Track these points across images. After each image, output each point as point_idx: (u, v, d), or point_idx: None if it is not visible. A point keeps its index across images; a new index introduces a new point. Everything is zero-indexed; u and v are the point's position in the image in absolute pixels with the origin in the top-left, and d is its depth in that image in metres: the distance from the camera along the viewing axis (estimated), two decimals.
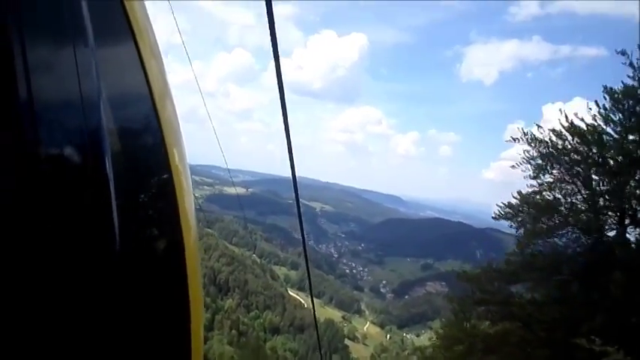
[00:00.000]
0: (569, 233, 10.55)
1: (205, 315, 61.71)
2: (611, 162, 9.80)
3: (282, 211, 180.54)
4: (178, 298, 1.21)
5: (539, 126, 11.02)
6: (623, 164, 9.46)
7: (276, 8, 2.44)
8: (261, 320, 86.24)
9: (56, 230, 0.70)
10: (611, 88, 9.69)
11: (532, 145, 10.92)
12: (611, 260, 8.33)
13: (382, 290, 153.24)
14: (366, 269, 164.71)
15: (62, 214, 0.73)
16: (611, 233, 10.07)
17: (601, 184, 10.16)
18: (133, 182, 1.06)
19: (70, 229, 0.75)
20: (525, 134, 10.97)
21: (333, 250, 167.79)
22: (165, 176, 1.16)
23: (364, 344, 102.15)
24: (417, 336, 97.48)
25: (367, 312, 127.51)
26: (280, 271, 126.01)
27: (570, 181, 10.66)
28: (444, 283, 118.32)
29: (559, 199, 10.85)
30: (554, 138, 10.45)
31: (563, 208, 10.64)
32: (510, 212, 11.32)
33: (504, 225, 12.09)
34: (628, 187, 9.77)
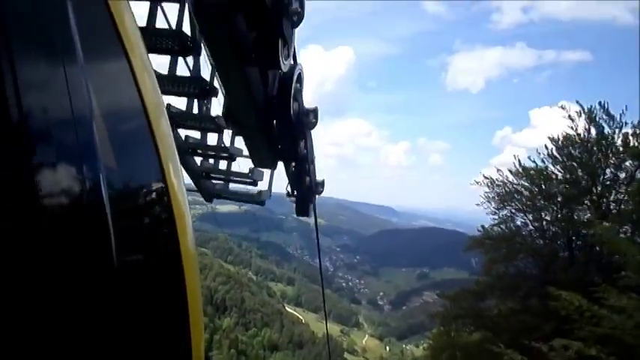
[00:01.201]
0: (527, 257, 12.49)
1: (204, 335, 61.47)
2: (559, 196, 11.77)
3: (275, 227, 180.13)
4: (178, 317, 1.19)
5: (498, 169, 13.46)
6: (568, 198, 11.41)
7: None
8: (260, 338, 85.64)
9: (51, 250, 0.69)
10: (556, 137, 11.88)
11: (490, 187, 13.31)
12: (560, 278, 9.54)
13: (379, 302, 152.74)
14: (362, 282, 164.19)
15: (56, 232, 0.71)
16: (562, 254, 11.90)
17: (550, 216, 12.25)
18: (129, 198, 1.04)
19: (66, 248, 0.73)
20: (486, 178, 13.34)
21: (328, 264, 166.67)
22: (161, 191, 1.14)
23: (364, 357, 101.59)
24: (417, 346, 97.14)
25: (365, 325, 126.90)
26: (277, 287, 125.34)
27: (524, 214, 12.89)
28: (440, 292, 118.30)
29: (515, 230, 12.90)
30: (511, 178, 12.73)
31: (519, 238, 12.63)
32: (475, 243, 13.46)
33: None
34: (574, 216, 11.58)
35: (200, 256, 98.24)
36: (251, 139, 4.68)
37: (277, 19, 2.91)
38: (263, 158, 5.14)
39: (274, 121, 4.12)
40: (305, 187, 5.82)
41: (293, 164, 5.30)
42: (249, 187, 5.98)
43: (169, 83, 3.88)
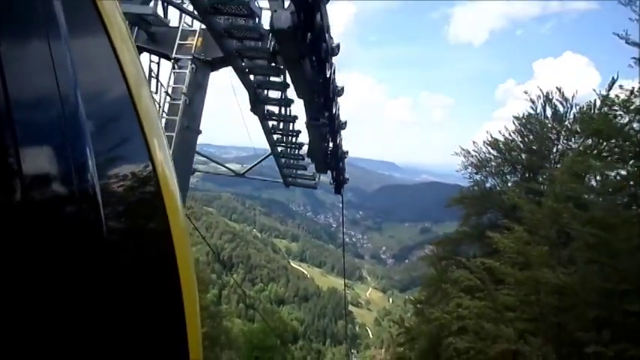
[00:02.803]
0: (494, 212, 15.24)
1: (212, 291, 63.05)
2: (523, 163, 14.56)
3: (278, 184, 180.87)
4: (169, 285, 1.19)
5: (474, 142, 16.22)
6: (528, 165, 14.29)
7: None
8: (267, 292, 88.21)
9: (39, 226, 0.68)
10: (519, 116, 14.87)
11: (465, 157, 16.18)
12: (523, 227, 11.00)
13: (382, 256, 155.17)
14: (365, 237, 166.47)
15: (44, 209, 0.70)
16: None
17: (515, 179, 15.12)
18: (116, 173, 1.03)
19: (52, 225, 0.73)
20: (463, 149, 16.32)
21: (331, 220, 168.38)
22: (147, 165, 1.14)
23: (368, 309, 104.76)
24: None
25: (369, 278, 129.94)
26: (281, 243, 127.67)
27: (493, 178, 15.95)
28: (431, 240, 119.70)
29: (485, 191, 15.74)
30: (484, 149, 15.73)
31: (488, 197, 15.35)
32: (454, 202, 16.57)
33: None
34: (537, 177, 13.93)
35: (205, 215, 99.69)
36: (317, 162, 11.75)
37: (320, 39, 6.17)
38: (321, 168, 12.40)
39: (328, 153, 11.06)
40: (339, 180, 13.58)
41: (334, 172, 12.88)
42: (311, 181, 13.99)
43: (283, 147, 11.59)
